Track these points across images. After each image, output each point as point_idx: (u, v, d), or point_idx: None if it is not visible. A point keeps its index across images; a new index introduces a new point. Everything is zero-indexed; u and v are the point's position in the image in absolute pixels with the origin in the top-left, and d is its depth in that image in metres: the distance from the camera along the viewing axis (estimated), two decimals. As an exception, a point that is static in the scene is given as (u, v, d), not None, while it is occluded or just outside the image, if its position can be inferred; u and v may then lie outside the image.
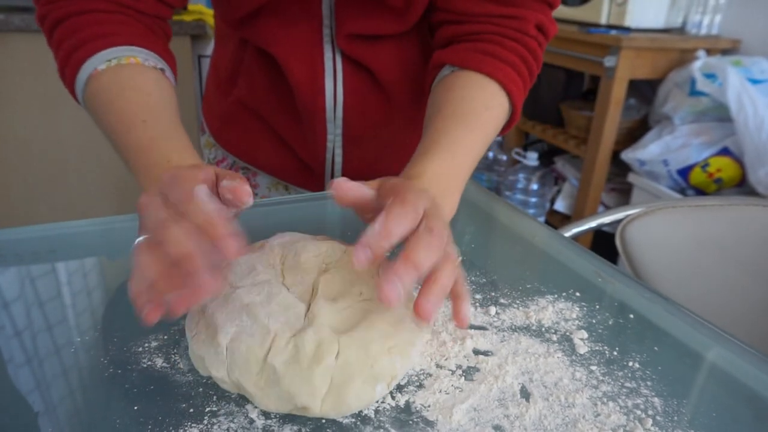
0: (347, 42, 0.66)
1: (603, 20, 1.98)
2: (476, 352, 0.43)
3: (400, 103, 0.72)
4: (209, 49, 1.84)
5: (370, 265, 0.35)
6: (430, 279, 0.36)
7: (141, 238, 0.36)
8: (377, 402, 0.38)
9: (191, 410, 0.36)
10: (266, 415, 0.37)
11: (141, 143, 0.47)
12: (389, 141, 0.75)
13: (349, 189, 0.40)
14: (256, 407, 0.37)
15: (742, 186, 1.74)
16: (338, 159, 0.75)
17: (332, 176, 0.76)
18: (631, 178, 1.94)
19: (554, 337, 0.45)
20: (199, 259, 0.33)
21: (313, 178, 0.77)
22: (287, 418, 0.36)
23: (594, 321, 0.48)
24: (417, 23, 0.66)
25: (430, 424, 0.36)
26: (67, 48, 0.52)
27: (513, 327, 0.47)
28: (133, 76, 0.51)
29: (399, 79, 0.70)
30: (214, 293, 0.33)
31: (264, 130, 0.75)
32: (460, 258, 0.40)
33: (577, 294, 0.52)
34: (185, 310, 0.34)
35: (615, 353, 0.44)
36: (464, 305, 0.39)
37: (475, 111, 0.54)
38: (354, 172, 0.76)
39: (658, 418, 0.38)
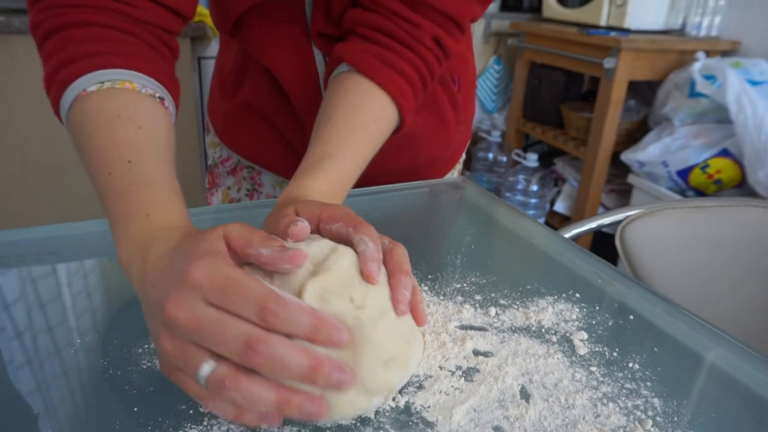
0: (318, 39, 0.66)
1: (603, 22, 1.98)
2: (476, 352, 0.43)
3: None
4: (209, 50, 1.85)
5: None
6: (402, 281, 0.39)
7: (208, 370, 0.31)
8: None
9: (191, 411, 0.36)
10: (266, 416, 0.37)
11: (120, 188, 0.41)
12: (387, 142, 0.75)
13: (302, 232, 0.39)
14: (256, 408, 0.37)
15: (741, 187, 1.74)
16: None
17: None
18: (631, 179, 1.94)
19: (554, 338, 0.46)
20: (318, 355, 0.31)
21: None
22: (287, 419, 0.36)
23: (594, 322, 0.48)
24: None
25: (429, 425, 0.36)
26: (56, 63, 0.47)
27: (513, 328, 0.47)
28: (125, 105, 0.45)
29: None
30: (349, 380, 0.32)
31: (269, 130, 0.75)
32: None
33: (577, 295, 0.52)
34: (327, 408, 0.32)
35: (615, 354, 0.44)
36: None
37: (364, 125, 0.55)
38: None
39: (658, 419, 0.38)
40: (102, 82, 0.46)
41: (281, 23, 0.66)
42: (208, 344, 0.31)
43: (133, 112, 0.45)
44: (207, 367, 0.31)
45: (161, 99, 0.49)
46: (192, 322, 0.30)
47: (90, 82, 0.45)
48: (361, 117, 0.55)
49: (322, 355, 0.31)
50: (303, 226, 0.38)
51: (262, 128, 0.76)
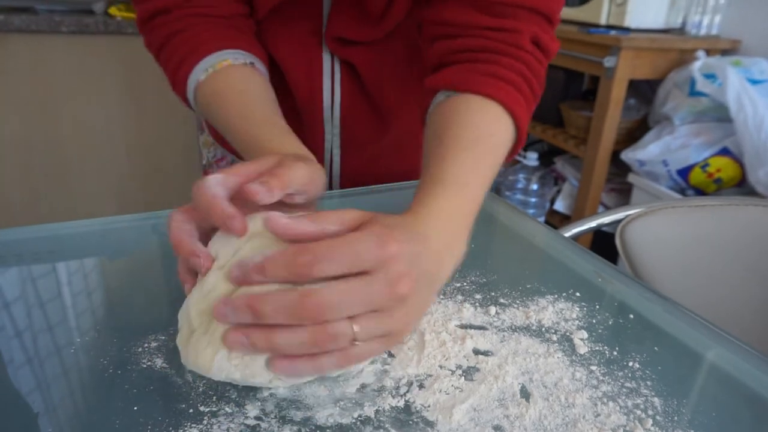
0: (333, 43, 0.67)
1: (603, 20, 1.98)
2: (476, 352, 0.43)
3: (387, 106, 0.72)
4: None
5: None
6: (282, 358, 0.34)
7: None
8: (377, 403, 0.38)
9: (191, 410, 0.36)
10: (266, 415, 0.37)
11: (248, 140, 0.53)
12: (386, 144, 0.75)
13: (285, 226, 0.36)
14: (255, 407, 0.37)
15: (741, 186, 1.74)
16: (336, 159, 0.75)
17: (331, 176, 0.77)
18: (631, 178, 1.94)
19: (554, 337, 0.46)
20: (186, 244, 0.39)
21: None
22: (287, 419, 0.36)
23: (594, 321, 0.48)
24: (394, 31, 0.66)
25: (430, 424, 0.36)
26: (172, 69, 0.60)
27: (513, 327, 0.47)
28: (227, 80, 0.57)
29: (382, 82, 0.70)
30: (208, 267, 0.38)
31: None
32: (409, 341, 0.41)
33: (577, 294, 0.52)
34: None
35: (615, 353, 0.44)
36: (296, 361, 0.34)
37: (480, 138, 0.48)
38: (352, 173, 0.76)
39: (658, 418, 0.38)
40: (206, 69, 0.57)
41: (296, 20, 0.66)
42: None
43: (234, 83, 0.57)
44: None
45: (252, 64, 0.60)
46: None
47: (199, 73, 0.57)
48: (475, 131, 0.49)
49: (189, 244, 0.39)
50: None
51: None
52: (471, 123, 0.50)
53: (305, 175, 0.42)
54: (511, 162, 2.44)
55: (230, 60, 0.58)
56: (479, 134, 0.49)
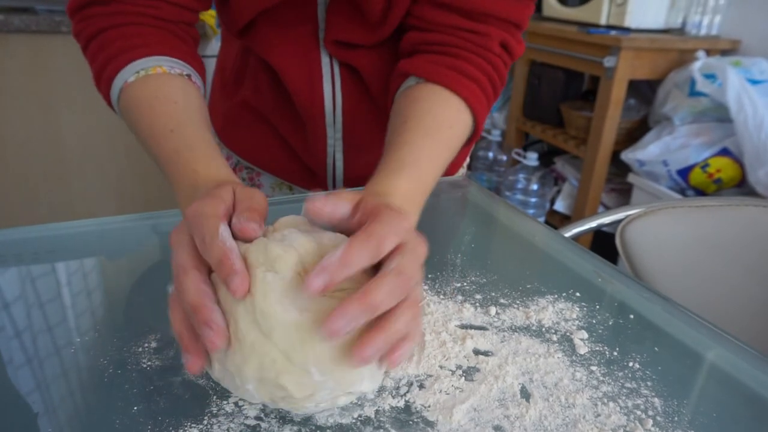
0: (332, 46, 0.66)
1: (603, 20, 1.98)
2: (476, 352, 0.43)
3: (386, 108, 0.72)
4: (209, 49, 1.85)
5: (324, 292, 0.33)
6: (382, 321, 0.34)
7: (170, 287, 0.37)
8: (377, 403, 0.38)
9: (191, 410, 0.36)
10: (266, 415, 0.37)
11: (169, 154, 0.49)
12: None
13: (321, 208, 0.39)
14: (255, 408, 0.37)
15: (741, 186, 1.74)
16: (339, 163, 0.75)
17: (334, 180, 0.76)
18: (631, 178, 1.94)
19: (554, 338, 0.45)
20: (206, 311, 0.34)
21: (316, 180, 0.77)
22: (287, 419, 0.36)
23: (594, 321, 0.48)
24: (393, 36, 0.66)
25: (430, 424, 0.36)
26: (99, 63, 0.55)
27: (513, 327, 0.47)
28: (159, 86, 0.53)
29: (382, 86, 0.70)
30: (219, 346, 0.33)
31: (268, 132, 0.75)
32: (424, 301, 0.40)
33: (577, 294, 0.52)
34: (200, 368, 0.35)
35: (615, 353, 0.44)
36: (404, 345, 0.35)
37: (440, 127, 0.54)
38: (355, 176, 0.76)
39: (658, 418, 0.38)
40: (138, 72, 0.53)
41: (291, 24, 0.66)
42: (173, 260, 0.37)
43: (167, 91, 0.53)
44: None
45: (188, 76, 0.56)
46: (170, 243, 0.38)
47: (128, 74, 0.53)
48: (436, 121, 0.54)
49: (210, 311, 0.34)
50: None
51: (261, 129, 0.75)
52: (433, 111, 0.55)
53: (265, 202, 0.41)
54: (512, 162, 2.44)
55: (165, 68, 0.54)
56: (439, 123, 0.54)
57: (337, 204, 0.39)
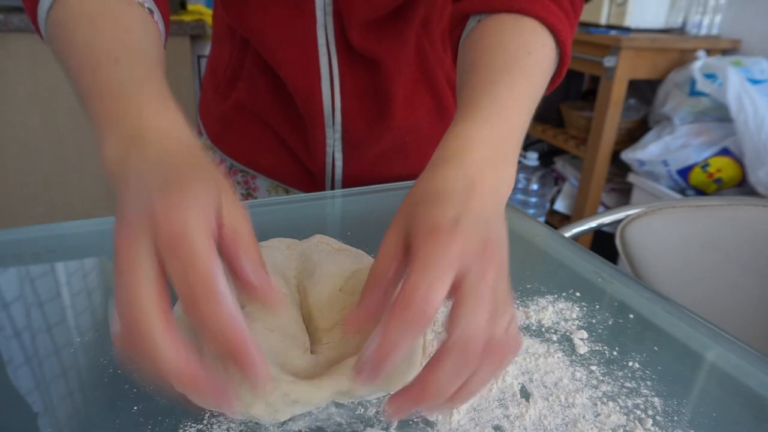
0: (358, 33, 0.65)
1: (603, 20, 1.98)
2: (476, 352, 0.43)
3: (399, 99, 0.71)
4: (209, 49, 1.85)
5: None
6: (455, 395, 0.30)
7: (114, 317, 0.28)
8: (378, 402, 0.38)
9: (191, 410, 0.36)
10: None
11: (108, 86, 0.35)
12: (389, 146, 0.75)
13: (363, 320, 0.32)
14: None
15: (742, 186, 1.74)
16: (338, 164, 0.74)
17: (333, 181, 0.76)
18: (631, 178, 1.94)
19: (554, 337, 0.45)
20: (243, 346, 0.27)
21: (313, 182, 0.77)
22: (287, 419, 0.36)
23: (594, 321, 0.48)
24: (412, 16, 0.66)
25: (430, 424, 0.36)
26: None
27: (513, 327, 0.47)
28: (107, 3, 0.40)
29: (401, 64, 0.69)
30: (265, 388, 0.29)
31: (264, 133, 0.74)
32: (517, 328, 0.33)
33: (577, 294, 0.52)
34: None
35: (615, 353, 0.44)
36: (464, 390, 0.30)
37: (516, 57, 0.43)
38: (354, 177, 0.76)
39: (658, 418, 0.38)
40: None
41: (289, 21, 0.65)
42: (118, 276, 0.28)
43: (119, 13, 0.40)
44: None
45: (150, 11, 0.43)
46: (115, 243, 0.28)
47: None
48: (509, 51, 0.43)
49: (200, 371, 0.27)
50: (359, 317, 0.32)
51: (257, 130, 0.74)
52: (504, 42, 0.44)
53: (250, 224, 0.33)
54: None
55: None
56: (516, 53, 0.43)
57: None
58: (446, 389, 0.29)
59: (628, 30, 1.91)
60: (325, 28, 0.66)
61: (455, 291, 0.30)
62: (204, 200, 0.29)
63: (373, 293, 0.32)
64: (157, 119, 0.33)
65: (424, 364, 0.41)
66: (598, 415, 0.38)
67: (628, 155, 1.90)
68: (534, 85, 0.43)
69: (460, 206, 0.32)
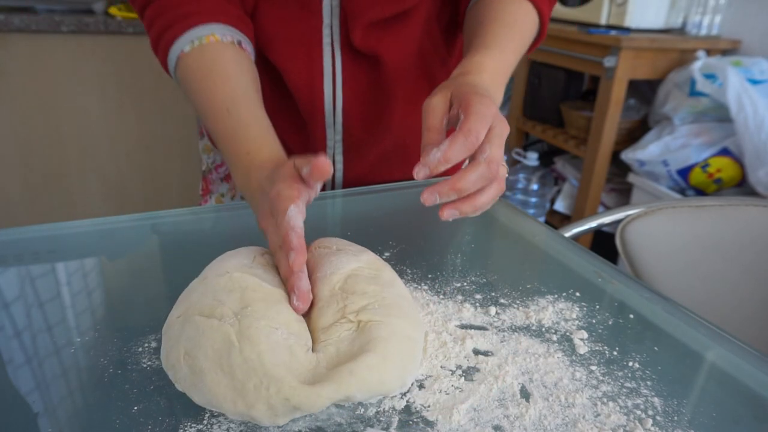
0: (362, 33, 0.66)
1: (603, 20, 1.98)
2: (476, 352, 0.43)
3: (400, 99, 0.71)
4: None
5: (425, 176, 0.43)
6: (470, 197, 0.44)
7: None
8: (378, 402, 0.38)
9: (191, 410, 0.36)
10: (266, 415, 0.36)
11: (226, 133, 0.54)
12: (389, 146, 0.75)
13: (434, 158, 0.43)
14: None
15: (742, 186, 1.74)
16: (339, 165, 0.74)
17: (333, 182, 0.76)
18: (631, 178, 1.94)
19: (554, 337, 0.45)
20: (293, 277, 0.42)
21: None
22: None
23: (594, 321, 0.48)
24: (417, 14, 0.67)
25: (430, 424, 0.36)
26: (156, 31, 0.59)
27: (513, 327, 0.47)
28: (214, 59, 0.57)
29: (403, 64, 0.70)
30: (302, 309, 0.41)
31: None
32: (507, 174, 0.48)
33: (577, 294, 0.52)
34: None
35: (615, 353, 0.44)
36: (473, 199, 0.45)
37: (515, 22, 0.61)
38: (355, 178, 0.76)
39: (658, 418, 0.38)
40: (192, 41, 0.57)
41: (294, 19, 0.66)
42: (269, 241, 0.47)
43: (221, 65, 0.57)
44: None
45: (239, 42, 0.60)
46: (261, 228, 0.48)
47: (184, 43, 0.57)
48: (510, 16, 0.61)
49: (302, 281, 0.42)
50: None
51: None
52: (507, 10, 0.62)
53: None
54: (512, 162, 2.44)
55: (218, 35, 0.57)
56: (514, 19, 0.61)
57: (437, 121, 0.47)
58: (470, 188, 0.43)
59: (628, 30, 1.91)
60: (331, 28, 0.66)
61: (488, 134, 0.44)
62: (284, 185, 0.44)
63: (433, 133, 0.47)
64: (258, 156, 0.51)
65: (424, 364, 0.41)
66: (598, 415, 0.38)
67: (628, 155, 1.90)
68: (522, 41, 0.62)
69: (486, 91, 0.49)
